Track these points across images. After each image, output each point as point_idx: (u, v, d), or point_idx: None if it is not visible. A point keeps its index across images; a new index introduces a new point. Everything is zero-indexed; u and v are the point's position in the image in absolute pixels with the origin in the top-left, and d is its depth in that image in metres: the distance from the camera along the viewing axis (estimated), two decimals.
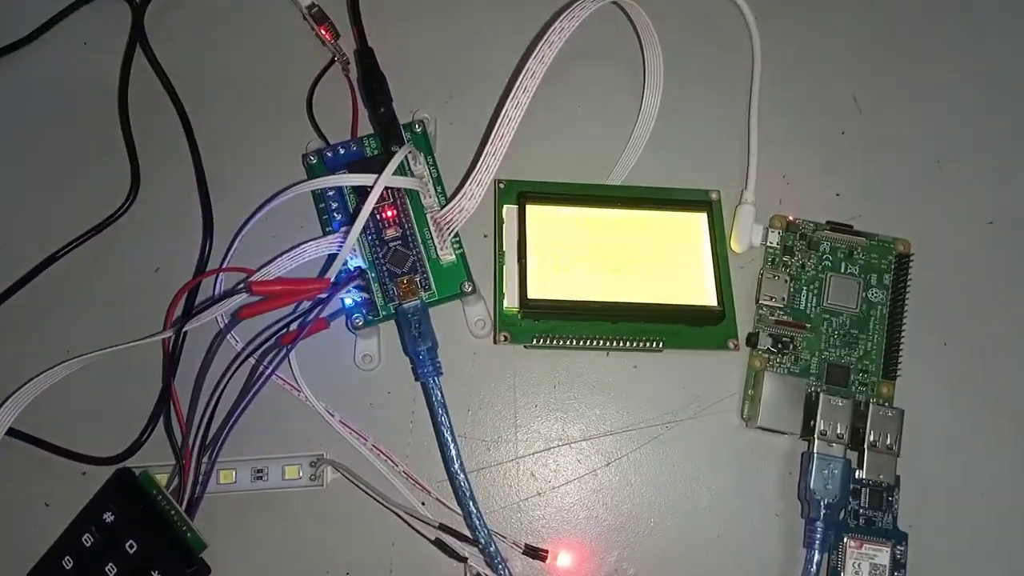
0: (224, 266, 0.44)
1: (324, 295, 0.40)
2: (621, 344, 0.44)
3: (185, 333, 0.44)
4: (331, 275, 0.41)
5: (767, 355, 0.46)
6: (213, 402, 0.43)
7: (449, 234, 0.43)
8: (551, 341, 0.44)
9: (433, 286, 0.43)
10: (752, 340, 0.46)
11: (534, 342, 0.44)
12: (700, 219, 0.47)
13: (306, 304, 0.42)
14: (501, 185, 0.46)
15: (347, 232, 0.42)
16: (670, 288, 0.45)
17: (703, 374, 0.46)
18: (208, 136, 0.49)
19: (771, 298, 0.46)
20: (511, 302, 0.44)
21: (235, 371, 0.43)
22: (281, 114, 0.49)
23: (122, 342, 0.45)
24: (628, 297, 0.44)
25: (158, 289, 0.47)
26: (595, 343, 0.44)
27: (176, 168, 0.49)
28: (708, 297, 0.45)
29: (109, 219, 0.48)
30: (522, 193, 0.45)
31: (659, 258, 0.45)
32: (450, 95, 0.50)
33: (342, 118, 0.48)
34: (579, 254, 0.45)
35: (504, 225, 0.45)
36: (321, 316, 0.40)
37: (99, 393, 0.46)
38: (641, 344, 0.44)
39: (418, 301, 0.42)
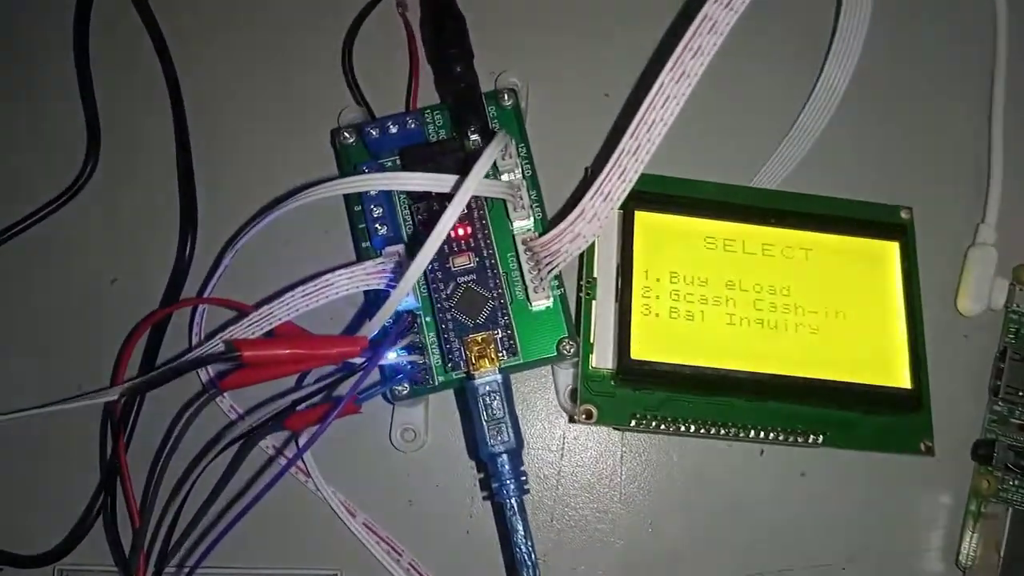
0: (207, 295, 0.29)
1: (358, 361, 0.26)
2: (763, 435, 0.30)
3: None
4: (370, 330, 0.26)
5: (1005, 480, 0.31)
6: (184, 492, 0.29)
7: (553, 271, 0.28)
8: (659, 424, 0.29)
9: (518, 346, 0.29)
10: (983, 452, 0.31)
11: (632, 423, 0.29)
12: (890, 250, 0.32)
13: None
14: None
15: (398, 263, 0.27)
16: (840, 354, 0.30)
17: (889, 488, 0.32)
18: (198, 91, 0.35)
19: (1019, 392, 0.31)
20: (602, 360, 0.29)
21: (221, 452, 0.29)
22: (306, 67, 0.35)
23: (54, 401, 0.31)
24: (778, 365, 0.29)
25: (115, 311, 0.33)
26: (725, 430, 0.30)
27: (152, 133, 0.34)
28: (897, 372, 0.30)
29: (53, 203, 0.34)
30: (632, 194, 0.30)
31: (826, 305, 0.31)
32: (548, 50, 0.35)
33: (395, 80, 0.33)
34: (710, 291, 0.30)
35: (597, 239, 0.30)
36: (353, 396, 0.25)
37: (31, 464, 0.32)
38: (792, 437, 0.30)
39: (496, 375, 0.27)
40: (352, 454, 0.32)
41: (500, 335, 0.28)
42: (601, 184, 0.27)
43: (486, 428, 0.26)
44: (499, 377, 0.27)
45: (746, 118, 0.34)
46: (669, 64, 0.26)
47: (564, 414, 0.32)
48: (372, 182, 0.26)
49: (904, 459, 0.31)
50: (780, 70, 0.35)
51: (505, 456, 0.26)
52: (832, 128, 0.34)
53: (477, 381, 0.27)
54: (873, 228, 0.32)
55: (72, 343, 0.33)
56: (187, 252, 0.33)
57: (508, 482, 0.26)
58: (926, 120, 0.35)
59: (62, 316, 0.33)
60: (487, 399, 0.27)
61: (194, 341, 0.30)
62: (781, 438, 0.30)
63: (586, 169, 0.32)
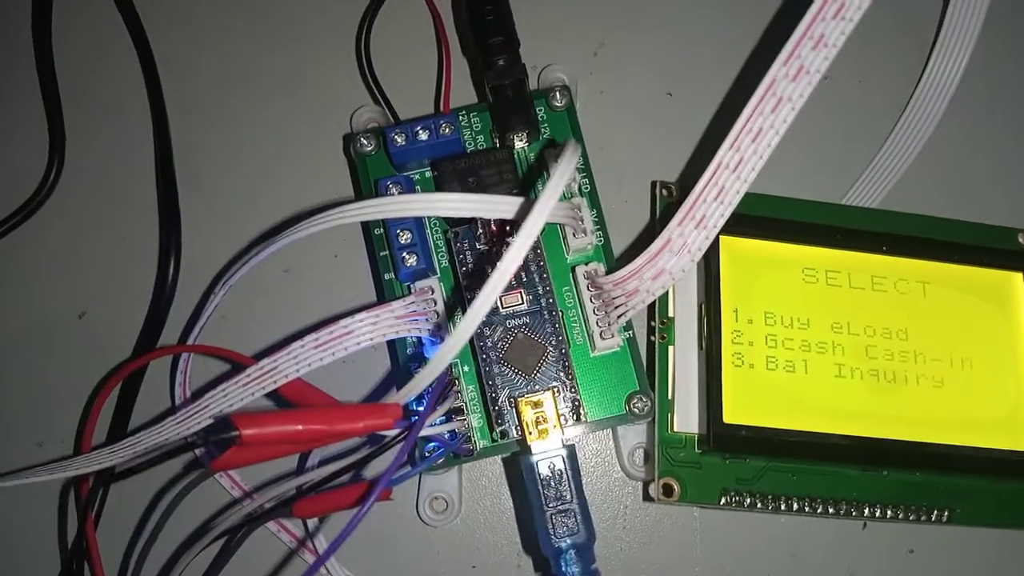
0: (193, 340, 0.24)
1: (391, 434, 0.20)
2: (878, 512, 0.25)
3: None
4: (403, 396, 0.20)
5: None
6: None
7: (626, 315, 0.23)
8: (754, 502, 0.24)
9: (584, 408, 0.23)
10: None
11: (722, 501, 0.24)
12: (1012, 283, 0.27)
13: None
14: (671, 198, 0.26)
15: (432, 302, 0.22)
16: (969, 412, 0.25)
17: (1016, 569, 0.27)
18: (182, 85, 0.29)
19: None
20: (685, 423, 0.24)
21: (213, 541, 0.23)
22: (312, 58, 0.29)
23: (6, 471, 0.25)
24: (899, 428, 0.25)
25: (82, 351, 0.28)
26: (834, 508, 0.25)
27: (126, 135, 0.29)
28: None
29: (8, 221, 0.28)
30: None
31: (951, 351, 0.26)
32: (602, 42, 0.29)
33: (421, 74, 0.28)
34: (813, 336, 0.25)
35: None
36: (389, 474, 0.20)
37: None
38: (914, 515, 0.25)
39: (560, 448, 0.21)
40: (370, 528, 0.26)
41: (561, 394, 0.23)
42: (692, 207, 0.21)
43: (548, 517, 0.21)
44: (564, 451, 0.21)
45: (837, 124, 0.29)
46: (782, 57, 0.20)
47: (629, 480, 0.27)
48: (406, 206, 0.20)
49: None
50: (878, 63, 0.30)
51: (573, 552, 0.21)
52: (937, 134, 0.29)
53: (535, 457, 0.21)
54: (990, 255, 0.27)
55: (31, 390, 0.27)
56: (168, 281, 0.28)
57: None
58: None
59: (19, 357, 0.27)
60: (550, 480, 0.21)
61: (178, 399, 0.24)
62: (900, 515, 0.25)
63: (653, 183, 0.27)
